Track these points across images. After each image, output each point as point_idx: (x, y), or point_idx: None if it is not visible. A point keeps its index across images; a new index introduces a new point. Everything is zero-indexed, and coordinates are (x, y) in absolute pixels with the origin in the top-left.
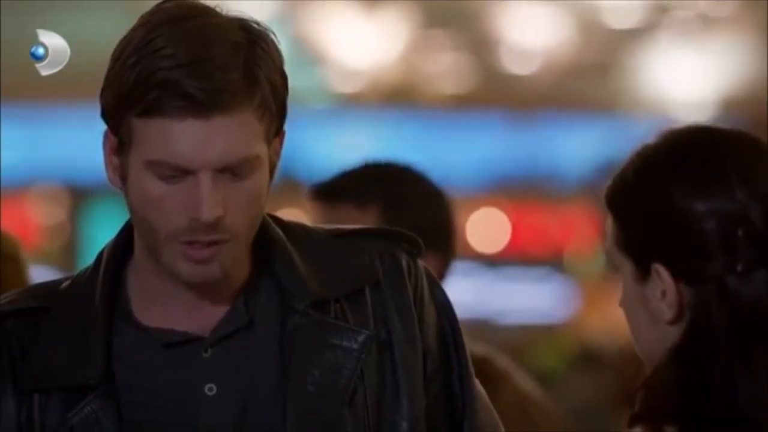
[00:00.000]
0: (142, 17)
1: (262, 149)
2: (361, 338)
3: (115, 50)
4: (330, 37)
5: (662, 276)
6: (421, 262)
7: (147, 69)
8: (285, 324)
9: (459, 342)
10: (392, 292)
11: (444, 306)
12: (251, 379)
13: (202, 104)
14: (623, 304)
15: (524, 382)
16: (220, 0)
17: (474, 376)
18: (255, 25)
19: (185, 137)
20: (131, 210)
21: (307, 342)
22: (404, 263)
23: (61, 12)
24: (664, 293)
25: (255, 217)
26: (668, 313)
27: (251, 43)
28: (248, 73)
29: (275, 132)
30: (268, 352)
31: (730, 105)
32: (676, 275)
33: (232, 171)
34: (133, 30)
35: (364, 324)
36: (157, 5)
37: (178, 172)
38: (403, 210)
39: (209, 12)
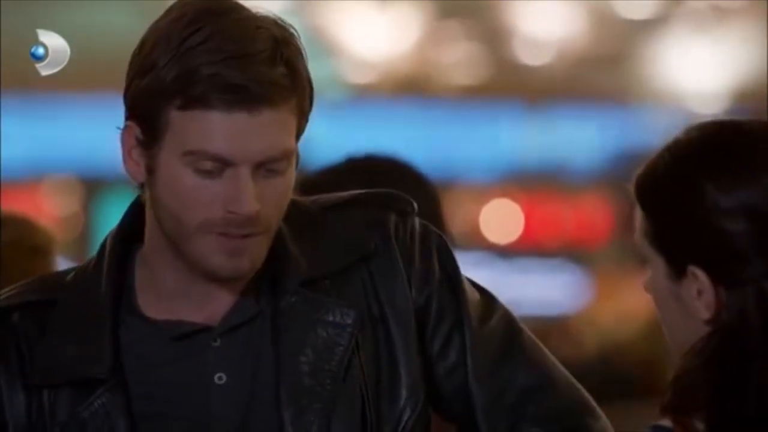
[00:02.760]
0: (170, 10)
1: (295, 145)
2: (352, 314)
3: (146, 42)
4: (343, 28)
5: (699, 278)
6: (413, 219)
7: (190, 63)
8: (277, 304)
9: (458, 284)
10: (383, 261)
11: (439, 251)
12: (254, 368)
13: (252, 97)
14: (653, 293)
15: None
16: None
17: (471, 317)
18: (282, 22)
19: (231, 130)
20: (157, 203)
21: (299, 321)
22: (392, 227)
23: (74, 3)
24: (699, 292)
25: (283, 211)
26: (705, 313)
27: (287, 39)
28: (291, 68)
29: (303, 129)
30: (266, 337)
31: (743, 96)
32: (715, 279)
33: (267, 166)
34: (165, 23)
35: (356, 299)
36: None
37: (216, 165)
38: None
39: (240, 6)
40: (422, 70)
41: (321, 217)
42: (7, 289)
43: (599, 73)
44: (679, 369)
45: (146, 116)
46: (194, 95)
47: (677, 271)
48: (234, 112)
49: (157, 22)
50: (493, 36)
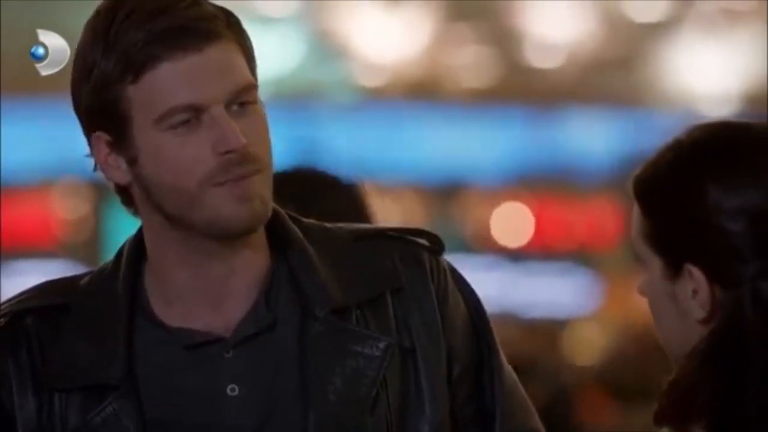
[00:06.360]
0: (87, 22)
1: (254, 80)
2: (382, 345)
3: (78, 53)
4: (353, 31)
5: (695, 276)
6: (444, 260)
7: (124, 42)
8: (306, 330)
9: (489, 335)
10: (415, 296)
11: (471, 300)
12: (273, 381)
13: (195, 34)
14: (648, 295)
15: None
16: None
17: (504, 366)
18: None
19: (188, 74)
20: (152, 186)
21: (328, 349)
22: (427, 264)
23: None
24: (695, 292)
25: (270, 149)
26: (700, 312)
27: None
28: (217, 7)
29: (255, 73)
30: (289, 356)
31: (752, 99)
32: (711, 277)
33: (237, 101)
34: (87, 28)
35: (386, 331)
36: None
37: (190, 115)
38: (310, 209)
39: None
40: (433, 73)
41: (351, 244)
42: (21, 293)
43: (609, 76)
44: (676, 373)
45: (106, 112)
46: (141, 61)
47: (673, 269)
48: (185, 57)
49: (81, 37)
50: (503, 39)
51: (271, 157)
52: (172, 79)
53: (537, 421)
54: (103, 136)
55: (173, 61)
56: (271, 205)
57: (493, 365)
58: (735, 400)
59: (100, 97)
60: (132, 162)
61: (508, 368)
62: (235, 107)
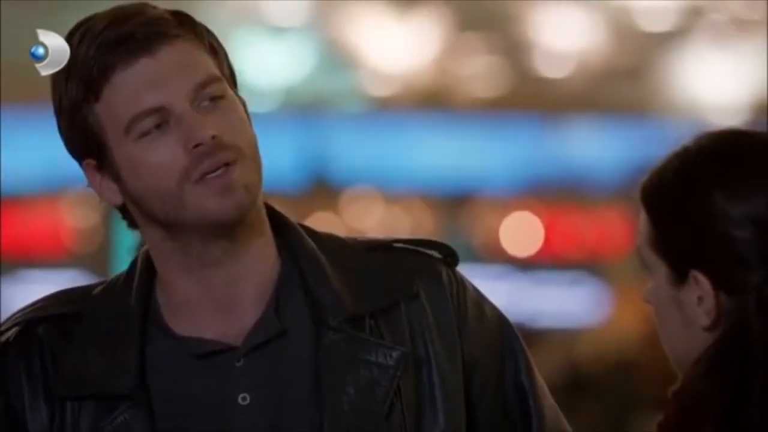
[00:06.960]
0: None
1: (223, 77)
2: (396, 355)
3: (52, 93)
4: (363, 41)
5: (701, 283)
6: (456, 270)
7: (80, 61)
8: (319, 339)
9: (515, 343)
10: (431, 307)
11: (494, 312)
12: (285, 389)
13: (144, 38)
14: (653, 302)
15: None
16: (253, 0)
17: (535, 371)
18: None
19: (143, 78)
20: (139, 198)
21: (342, 359)
22: (444, 276)
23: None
24: (700, 299)
25: (251, 138)
26: (705, 320)
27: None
28: (172, 12)
29: (233, 81)
30: (301, 365)
31: (762, 108)
32: (717, 284)
33: (202, 95)
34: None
35: (400, 340)
36: None
37: (156, 118)
38: None
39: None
40: (442, 82)
41: (364, 255)
42: (33, 302)
43: (619, 86)
44: (681, 381)
45: (83, 137)
46: (96, 76)
47: (679, 276)
48: (137, 62)
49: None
50: (513, 48)
51: (253, 147)
52: (130, 87)
53: (567, 425)
54: (90, 163)
55: (127, 69)
56: (260, 193)
57: (521, 371)
58: (739, 407)
59: (73, 124)
60: (117, 179)
61: (539, 375)
62: (205, 103)
